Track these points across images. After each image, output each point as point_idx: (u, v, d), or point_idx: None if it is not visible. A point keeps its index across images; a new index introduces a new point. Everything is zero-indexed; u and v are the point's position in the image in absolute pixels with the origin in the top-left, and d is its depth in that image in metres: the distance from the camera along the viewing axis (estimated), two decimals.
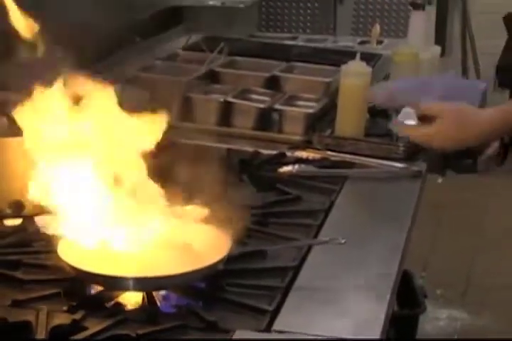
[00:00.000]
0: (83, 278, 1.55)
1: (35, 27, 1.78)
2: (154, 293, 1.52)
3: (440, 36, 4.47)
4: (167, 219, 1.65)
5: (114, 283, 1.54)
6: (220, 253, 1.57)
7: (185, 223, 1.67)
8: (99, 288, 1.54)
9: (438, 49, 3.00)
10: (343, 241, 1.66)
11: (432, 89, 2.12)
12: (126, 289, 1.53)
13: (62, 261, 1.54)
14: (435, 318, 3.75)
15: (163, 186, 1.68)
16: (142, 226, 1.62)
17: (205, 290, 1.56)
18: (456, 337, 3.73)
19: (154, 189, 1.66)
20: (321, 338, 1.41)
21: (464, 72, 5.34)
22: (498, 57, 5.34)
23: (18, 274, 1.61)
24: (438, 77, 2.06)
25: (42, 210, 1.74)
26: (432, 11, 4.08)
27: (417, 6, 2.97)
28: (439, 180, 4.96)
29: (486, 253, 4.44)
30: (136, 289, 1.53)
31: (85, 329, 1.42)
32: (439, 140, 2.09)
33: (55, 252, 1.57)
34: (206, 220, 1.68)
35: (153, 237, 1.62)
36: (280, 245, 1.75)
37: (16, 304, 1.50)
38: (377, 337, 1.45)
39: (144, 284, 1.53)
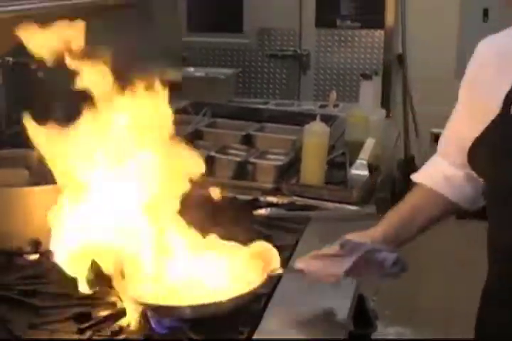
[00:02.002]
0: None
1: None
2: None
3: (385, 101, 4.50)
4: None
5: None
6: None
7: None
8: (103, 313, 1.53)
9: (384, 112, 3.02)
10: None
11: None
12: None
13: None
14: (384, 335, 3.73)
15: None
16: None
17: None
18: None
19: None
20: None
21: (406, 131, 5.37)
22: (433, 119, 5.38)
23: (35, 301, 1.60)
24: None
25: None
26: (378, 80, 4.12)
27: (366, 77, 3.00)
28: None
29: (427, 280, 4.44)
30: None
31: None
32: None
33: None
34: None
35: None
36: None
37: (33, 327, 1.49)
38: None
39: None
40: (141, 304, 1.51)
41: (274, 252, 1.62)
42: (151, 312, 1.49)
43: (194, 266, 1.63)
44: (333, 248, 1.60)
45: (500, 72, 1.58)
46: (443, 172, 1.79)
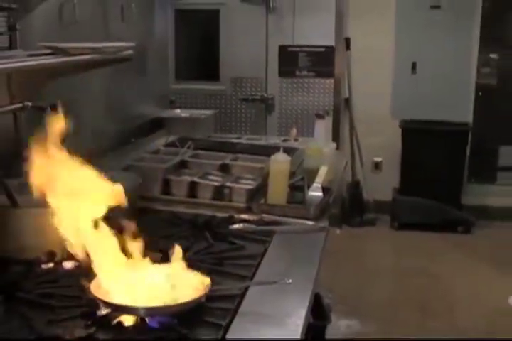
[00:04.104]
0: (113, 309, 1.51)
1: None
2: None
3: (335, 136, 4.53)
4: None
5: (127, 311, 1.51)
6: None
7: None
8: (107, 311, 1.52)
9: (334, 145, 3.04)
10: (289, 281, 1.62)
11: None
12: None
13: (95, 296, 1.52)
14: (337, 326, 3.72)
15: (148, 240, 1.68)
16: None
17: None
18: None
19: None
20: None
21: (352, 160, 5.41)
22: (374, 150, 5.43)
23: (51, 302, 1.59)
24: None
25: (68, 258, 1.73)
26: (329, 119, 4.15)
27: (319, 116, 3.02)
28: (338, 232, 4.98)
29: (370, 281, 4.45)
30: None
31: (96, 339, 1.41)
32: None
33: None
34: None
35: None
36: (244, 285, 1.70)
37: (50, 323, 1.48)
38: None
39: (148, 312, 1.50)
40: (105, 303, 1.51)
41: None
42: (145, 310, 1.49)
43: (155, 277, 1.62)
44: None
45: None
46: None
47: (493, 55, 5.34)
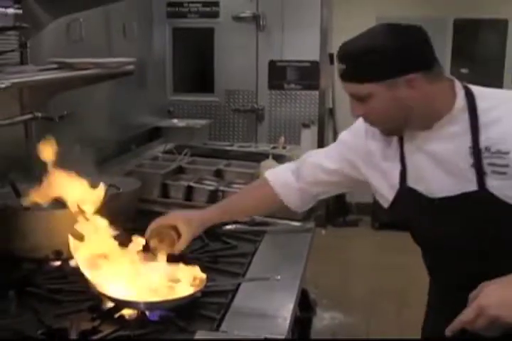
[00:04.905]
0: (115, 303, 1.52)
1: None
2: None
3: (320, 144, 4.53)
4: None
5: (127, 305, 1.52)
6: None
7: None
8: (110, 305, 1.52)
9: None
10: (278, 277, 1.62)
11: None
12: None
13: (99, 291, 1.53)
14: (322, 318, 3.73)
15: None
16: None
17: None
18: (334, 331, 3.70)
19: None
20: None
21: None
22: None
23: (59, 297, 1.59)
24: None
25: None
26: (314, 128, 4.15)
27: (305, 126, 3.04)
28: (323, 232, 4.99)
29: (353, 277, 4.46)
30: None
31: (101, 332, 1.41)
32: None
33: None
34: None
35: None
36: (237, 281, 1.71)
37: (58, 316, 1.49)
38: (287, 332, 1.46)
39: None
40: (109, 298, 1.51)
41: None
42: (145, 305, 1.49)
43: (155, 274, 1.63)
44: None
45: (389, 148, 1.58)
46: (291, 182, 1.87)
47: (463, 70, 5.37)
